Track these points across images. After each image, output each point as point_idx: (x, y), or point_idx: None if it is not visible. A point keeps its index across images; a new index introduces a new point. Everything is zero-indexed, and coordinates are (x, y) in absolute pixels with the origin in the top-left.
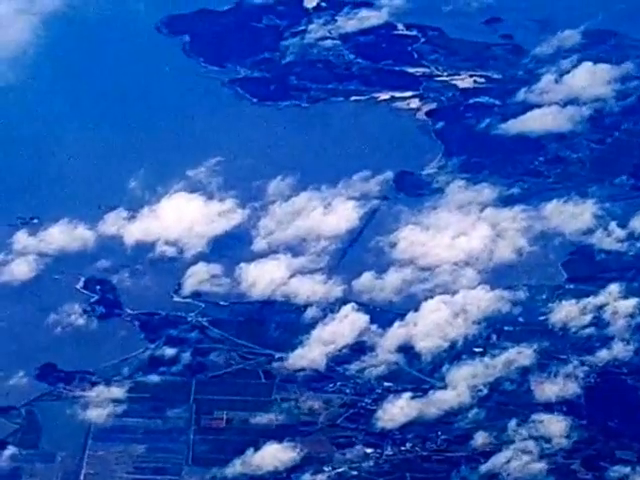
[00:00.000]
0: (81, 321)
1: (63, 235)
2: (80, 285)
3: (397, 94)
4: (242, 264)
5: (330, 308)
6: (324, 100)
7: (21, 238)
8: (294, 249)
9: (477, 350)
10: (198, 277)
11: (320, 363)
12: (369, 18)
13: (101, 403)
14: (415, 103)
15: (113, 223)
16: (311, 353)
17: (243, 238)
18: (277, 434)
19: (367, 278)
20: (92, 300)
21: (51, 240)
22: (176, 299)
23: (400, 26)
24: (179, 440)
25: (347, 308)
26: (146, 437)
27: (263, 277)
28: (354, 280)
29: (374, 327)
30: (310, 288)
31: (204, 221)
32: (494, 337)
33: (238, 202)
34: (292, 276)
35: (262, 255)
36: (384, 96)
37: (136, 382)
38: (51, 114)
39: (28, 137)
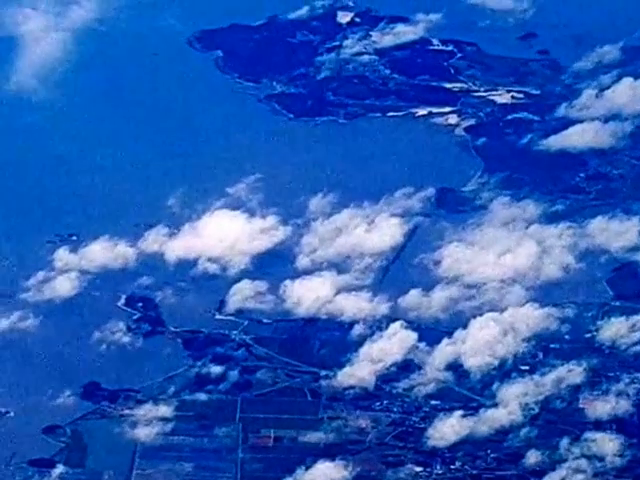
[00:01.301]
0: (126, 339)
1: (104, 252)
2: (122, 302)
3: (435, 110)
4: (286, 281)
5: (377, 326)
6: (361, 116)
7: (62, 255)
8: (338, 266)
9: (524, 368)
10: (243, 294)
11: (369, 381)
12: (405, 33)
13: (148, 421)
14: (453, 119)
15: (154, 240)
16: (360, 371)
17: (286, 255)
18: (325, 453)
19: (413, 295)
20: (134, 318)
21: (92, 257)
22: (218, 317)
23: (435, 41)
24: (227, 459)
25: (395, 326)
26: (193, 455)
27: (308, 294)
28: (400, 297)
29: (422, 345)
30: (356, 305)
31: (246, 238)
32: (540, 355)
33: (280, 219)
34: (337, 293)
35: (306, 272)
36: (422, 112)
37: (183, 400)
38: (85, 131)
39: (63, 154)
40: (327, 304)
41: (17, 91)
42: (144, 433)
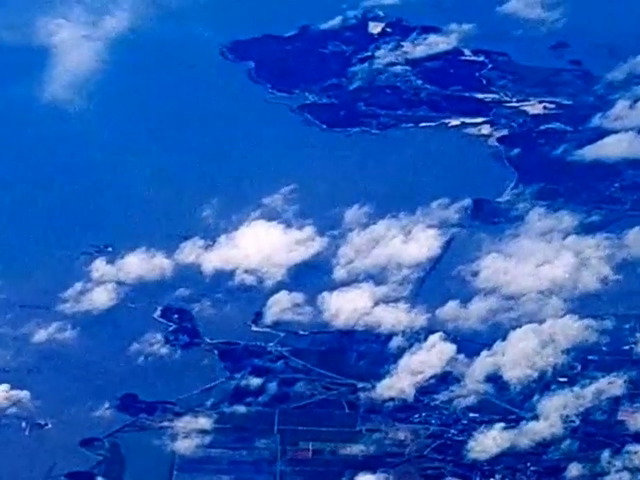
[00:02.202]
0: (163, 350)
1: (141, 264)
2: (157, 314)
3: (467, 120)
4: (324, 293)
5: (415, 337)
6: (394, 126)
7: (99, 266)
8: (375, 278)
9: (562, 380)
10: (280, 306)
11: (408, 393)
12: (437, 43)
13: (187, 434)
14: (486, 129)
15: (190, 252)
16: (399, 383)
17: (322, 267)
18: (364, 465)
19: (452, 307)
20: (170, 329)
21: (129, 269)
22: (255, 328)
23: (467, 52)
24: (266, 471)
25: (434, 337)
26: (232, 468)
27: (346, 306)
28: (438, 309)
29: (461, 357)
30: (394, 317)
31: (283, 249)
32: (579, 367)
33: (316, 230)
34: (375, 305)
35: (343, 284)
36: (454, 122)
37: (221, 412)
38: (119, 140)
39: (98, 164)
40: (365, 316)
41: (51, 101)
42: (183, 445)
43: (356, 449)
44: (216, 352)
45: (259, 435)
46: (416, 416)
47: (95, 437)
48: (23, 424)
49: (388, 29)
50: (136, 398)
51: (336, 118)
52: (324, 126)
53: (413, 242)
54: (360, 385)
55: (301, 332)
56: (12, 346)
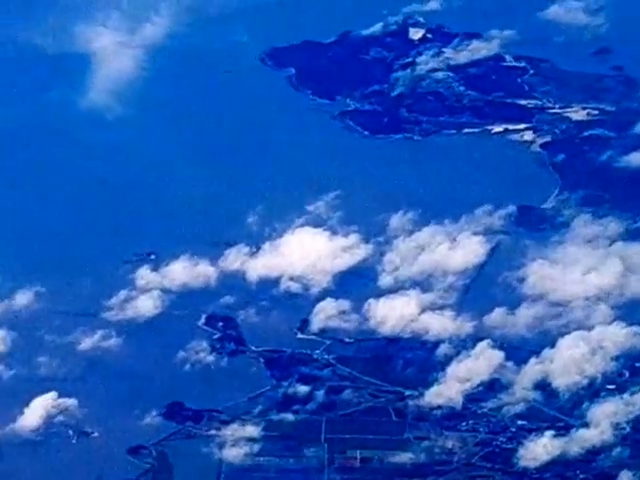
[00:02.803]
0: (209, 358)
1: (185, 271)
2: (202, 322)
3: (510, 126)
4: (370, 300)
5: (462, 345)
6: (436, 133)
7: (144, 274)
8: (421, 285)
9: (610, 387)
10: (326, 313)
11: (457, 401)
12: (479, 49)
13: (235, 442)
14: (529, 136)
15: (235, 259)
16: (447, 391)
17: (368, 274)
18: (413, 473)
19: (499, 314)
20: (215, 337)
21: (174, 276)
22: (300, 336)
23: (509, 58)
24: (314, 479)
25: (482, 345)
26: (280, 476)
27: (393, 313)
28: (485, 316)
29: (509, 364)
30: (440, 324)
31: (328, 256)
32: (627, 374)
33: (361, 237)
34: (422, 312)
35: (389, 291)
36: (497, 128)
37: (269, 420)
38: (160, 148)
39: (138, 171)
40: (411, 323)
41: (91, 108)
42: (231, 454)
43: (405, 457)
44: (262, 360)
45: (307, 443)
46: (464, 424)
47: (142, 445)
48: (70, 432)
49: (429, 35)
50: (182, 406)
51: (378, 125)
52: (366, 133)
53: (459, 249)
54: (407, 393)
55: (347, 339)
56: (58, 354)
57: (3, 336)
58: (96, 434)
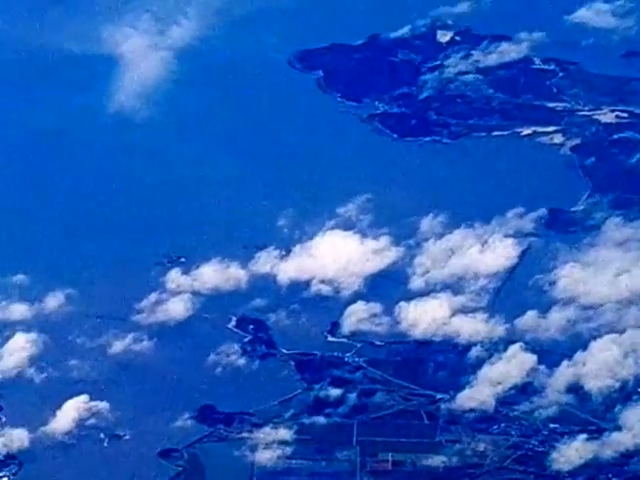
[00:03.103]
0: (241, 361)
1: (216, 274)
2: (232, 325)
3: (539, 129)
4: (401, 303)
5: (494, 348)
6: (465, 135)
7: (174, 277)
8: (452, 287)
9: None
10: (357, 316)
11: (489, 404)
12: (508, 52)
13: (268, 445)
14: (558, 138)
15: (265, 262)
16: (479, 394)
17: (399, 276)
18: (445, 476)
19: (530, 317)
20: (245, 340)
21: (204, 279)
22: (331, 339)
23: (537, 60)
24: None
25: (514, 348)
26: (311, 479)
27: (424, 316)
28: (516, 319)
29: (542, 367)
30: (472, 327)
31: (359, 259)
32: None
33: (392, 240)
34: (453, 315)
35: (420, 294)
36: (526, 131)
37: (301, 423)
38: (188, 150)
39: (166, 173)
40: (443, 326)
41: (119, 110)
42: (263, 456)
43: (437, 460)
44: (292, 363)
45: (339, 446)
46: (496, 427)
47: (174, 448)
48: (102, 435)
49: (457, 38)
50: (214, 409)
51: (407, 127)
52: (395, 135)
53: (490, 252)
54: (438, 396)
55: (377, 342)
56: (89, 357)
57: (35, 339)
58: (128, 437)
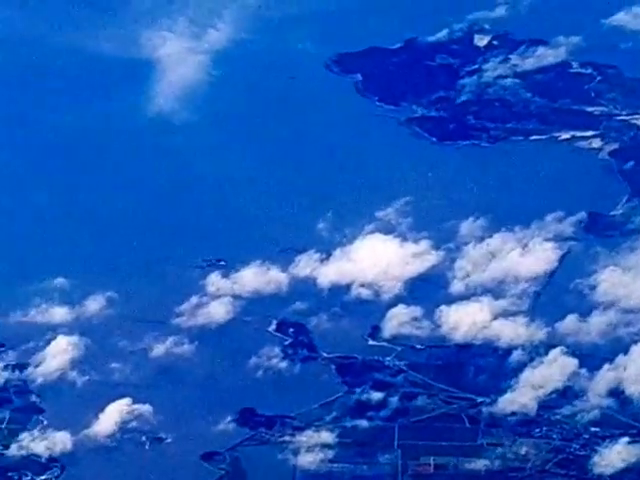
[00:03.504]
0: (282, 364)
1: (256, 277)
2: (272, 328)
3: (577, 134)
4: (442, 307)
5: (535, 351)
6: (504, 139)
7: (215, 280)
8: (493, 291)
9: None
10: (398, 320)
11: (531, 408)
12: (545, 56)
13: (310, 448)
14: (596, 143)
15: (305, 265)
16: (521, 397)
17: (439, 280)
18: None
19: (571, 321)
20: (285, 343)
21: (244, 282)
22: (371, 342)
23: (575, 64)
24: None
25: (555, 352)
26: None
27: (465, 320)
28: (557, 323)
29: (583, 371)
30: (513, 331)
31: (399, 263)
32: None
33: (431, 243)
34: (494, 319)
35: (460, 297)
36: (565, 135)
37: (342, 427)
38: (227, 153)
39: (206, 176)
40: (483, 329)
41: (158, 113)
42: (305, 460)
43: (479, 464)
44: (333, 366)
45: (380, 450)
46: (537, 430)
47: (216, 451)
48: (143, 438)
49: (494, 42)
50: (255, 412)
51: (445, 131)
52: (433, 139)
53: (530, 255)
54: (479, 399)
55: (418, 346)
56: (131, 360)
57: (76, 342)
58: (169, 440)
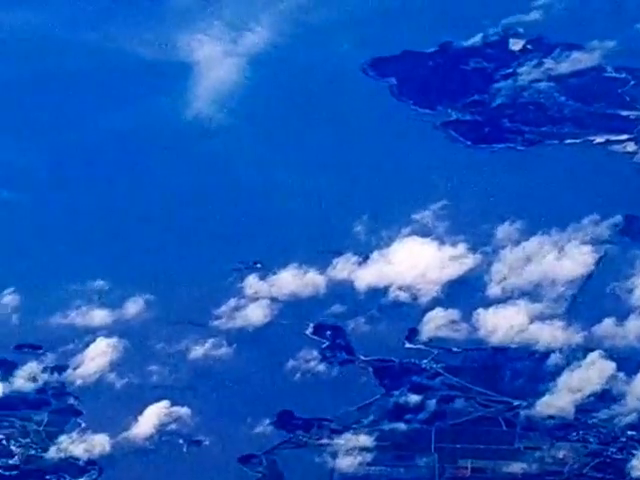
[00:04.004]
0: (320, 367)
1: (294, 280)
2: (309, 331)
3: (612, 137)
4: (479, 310)
5: (573, 355)
6: (539, 143)
7: (252, 283)
8: (530, 294)
9: None
10: (436, 322)
11: (569, 411)
12: (580, 60)
13: (347, 451)
14: (631, 146)
15: (343, 268)
16: (559, 401)
17: (476, 283)
18: None
19: (608, 324)
20: (323, 346)
21: (282, 285)
22: (408, 345)
23: (609, 68)
24: None
25: (594, 355)
26: None
27: (503, 323)
28: (594, 326)
29: (621, 375)
30: (550, 334)
31: (437, 266)
32: None
33: (468, 247)
34: (531, 322)
35: (497, 301)
36: (599, 139)
37: (380, 430)
38: (264, 157)
39: (243, 180)
40: (521, 333)
41: (195, 117)
42: (343, 463)
43: (516, 467)
44: (370, 369)
45: (418, 453)
46: (574, 434)
47: (253, 454)
48: (180, 441)
49: (529, 46)
50: (292, 415)
51: (480, 135)
52: (468, 142)
53: (566, 258)
54: (516, 403)
55: (454, 349)
56: (169, 363)
57: (115, 344)
58: (207, 442)
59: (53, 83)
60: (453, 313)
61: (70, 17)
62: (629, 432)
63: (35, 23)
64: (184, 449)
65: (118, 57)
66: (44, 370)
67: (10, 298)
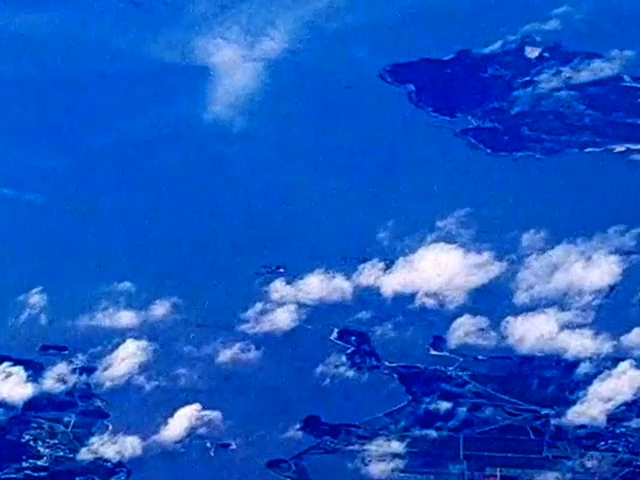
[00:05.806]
0: (349, 373)
1: (321, 285)
2: (334, 336)
3: (632, 146)
4: (508, 318)
5: (603, 364)
6: (558, 152)
7: (278, 287)
8: (557, 303)
9: None
10: (464, 330)
11: (600, 420)
12: (599, 69)
13: (376, 457)
14: None
15: (369, 274)
16: (590, 410)
17: (503, 291)
18: None
19: (637, 334)
20: (347, 352)
21: (309, 290)
22: (433, 352)
23: (627, 78)
24: None
25: (624, 364)
26: None
27: (532, 331)
28: (623, 336)
29: None
30: (579, 343)
31: (463, 273)
32: None
33: (494, 254)
34: (560, 331)
35: (525, 309)
36: (619, 148)
37: (410, 436)
38: (283, 162)
39: (264, 184)
40: (550, 341)
41: (214, 121)
42: (373, 469)
43: (544, 476)
44: (395, 376)
45: (447, 460)
46: (602, 443)
47: (282, 459)
48: (208, 444)
49: (545, 54)
50: (319, 420)
51: (500, 142)
52: (488, 150)
53: (594, 268)
54: (543, 411)
55: (480, 357)
56: (197, 366)
57: (144, 346)
58: (234, 446)
59: (76, 86)
60: (482, 321)
61: (92, 22)
62: None
63: (58, 27)
64: (211, 453)
65: (138, 61)
66: (73, 371)
67: (37, 298)
